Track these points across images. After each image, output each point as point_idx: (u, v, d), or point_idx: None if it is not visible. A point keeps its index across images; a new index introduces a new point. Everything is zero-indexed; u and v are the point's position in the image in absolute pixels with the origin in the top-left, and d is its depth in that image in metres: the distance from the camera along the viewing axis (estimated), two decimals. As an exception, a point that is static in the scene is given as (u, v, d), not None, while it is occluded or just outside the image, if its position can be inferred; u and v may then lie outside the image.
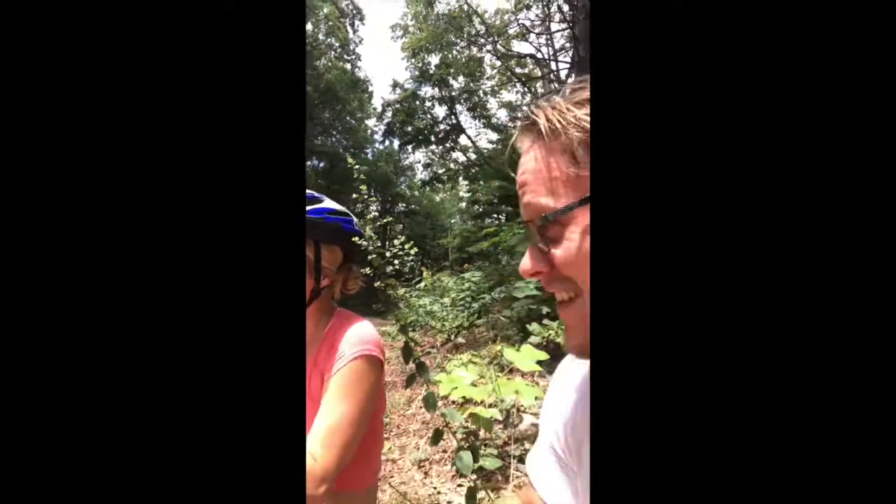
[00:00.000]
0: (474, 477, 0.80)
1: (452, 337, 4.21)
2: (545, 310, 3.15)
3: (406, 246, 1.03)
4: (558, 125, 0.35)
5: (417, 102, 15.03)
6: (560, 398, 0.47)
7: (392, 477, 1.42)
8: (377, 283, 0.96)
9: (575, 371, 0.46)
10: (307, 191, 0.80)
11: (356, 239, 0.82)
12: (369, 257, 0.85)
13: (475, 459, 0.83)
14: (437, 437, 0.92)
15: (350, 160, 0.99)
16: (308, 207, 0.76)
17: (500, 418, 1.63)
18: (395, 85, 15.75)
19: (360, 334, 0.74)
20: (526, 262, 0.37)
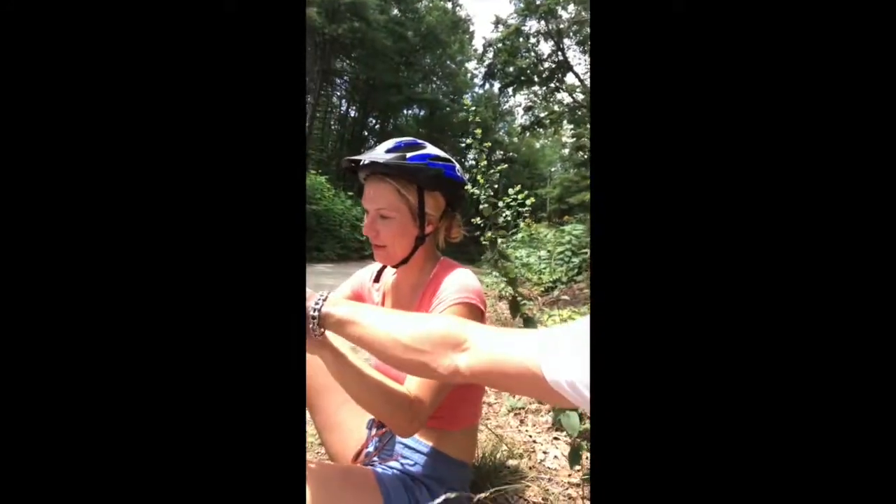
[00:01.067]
0: (578, 438, 0.78)
1: (550, 291, 4.11)
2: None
3: (520, 196, 0.97)
4: None
5: (521, 39, 13.94)
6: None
7: (488, 419, 1.47)
8: (489, 234, 0.93)
9: None
10: (410, 138, 0.78)
11: (465, 187, 0.80)
12: (481, 206, 0.81)
13: (581, 421, 0.80)
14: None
15: (466, 101, 0.94)
16: (410, 154, 0.74)
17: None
18: (498, 22, 14.73)
19: (461, 281, 0.73)
20: None
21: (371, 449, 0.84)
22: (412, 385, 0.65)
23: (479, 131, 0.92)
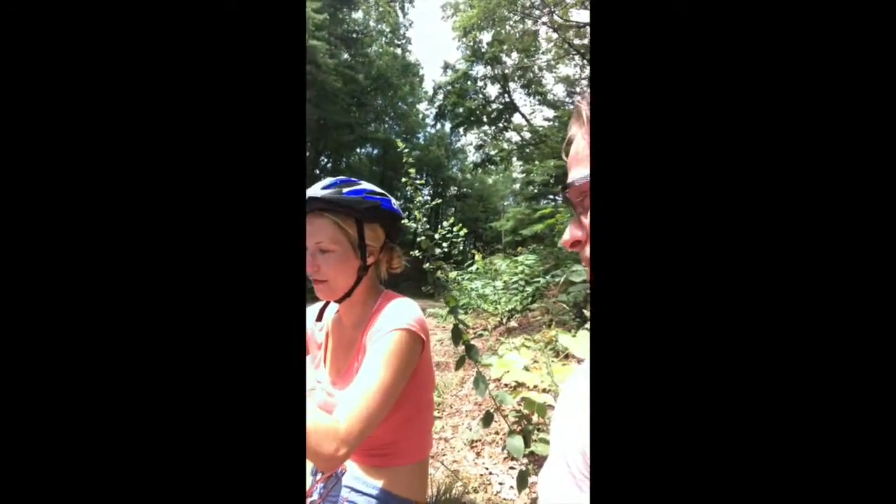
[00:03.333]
0: (525, 461, 0.79)
1: (505, 321, 4.17)
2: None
3: (455, 228, 1.02)
4: None
5: (469, 83, 14.76)
6: (572, 410, 0.44)
7: (444, 455, 1.45)
8: (426, 266, 0.96)
9: (585, 382, 0.43)
10: (345, 177, 0.82)
11: (403, 221, 0.83)
12: (418, 239, 0.85)
13: (526, 444, 0.81)
14: (488, 420, 0.91)
15: (400, 144, 0.99)
16: (346, 189, 0.77)
17: (554, 404, 1.60)
18: (447, 66, 15.57)
19: (400, 310, 0.75)
20: (566, 234, 0.41)
21: (315, 497, 0.80)
22: (344, 413, 0.63)
23: (412, 170, 0.97)
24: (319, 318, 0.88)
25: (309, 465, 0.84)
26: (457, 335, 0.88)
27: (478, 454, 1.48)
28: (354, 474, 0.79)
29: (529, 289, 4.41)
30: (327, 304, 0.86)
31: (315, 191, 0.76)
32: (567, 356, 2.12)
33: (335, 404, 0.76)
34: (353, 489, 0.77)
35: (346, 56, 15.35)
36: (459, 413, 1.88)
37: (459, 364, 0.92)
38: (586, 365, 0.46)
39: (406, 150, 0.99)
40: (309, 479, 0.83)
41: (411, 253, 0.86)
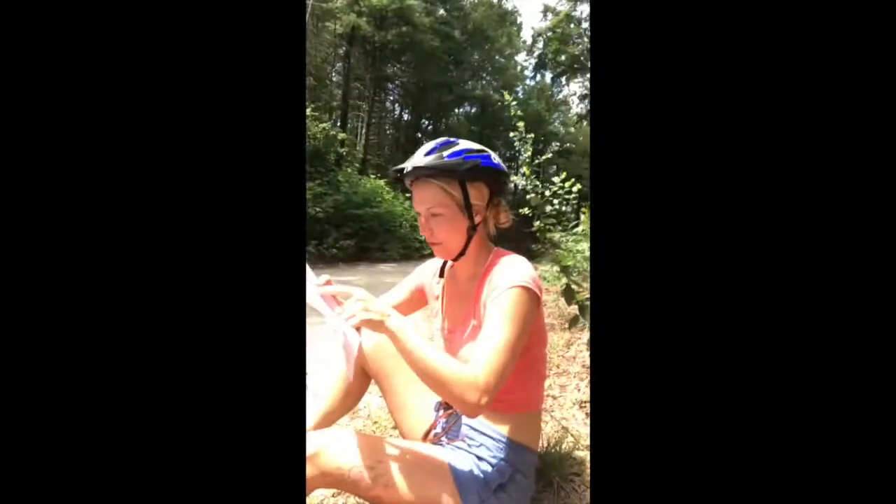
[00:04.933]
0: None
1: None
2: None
3: (567, 184, 0.98)
4: None
5: (572, 26, 13.39)
6: None
7: (553, 411, 1.48)
8: (536, 224, 0.94)
9: None
10: (445, 138, 0.83)
11: (510, 178, 0.83)
12: (528, 196, 0.84)
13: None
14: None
15: (507, 96, 0.96)
16: (447, 152, 0.79)
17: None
18: (546, 10, 14.27)
19: (516, 267, 0.76)
20: None
21: (438, 430, 0.89)
22: (480, 365, 0.68)
23: (521, 124, 0.93)
24: (441, 275, 0.95)
25: (432, 401, 0.94)
26: (569, 294, 0.87)
27: (587, 415, 1.48)
28: (475, 416, 0.86)
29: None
30: (446, 262, 0.92)
31: (418, 158, 0.80)
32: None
33: (458, 350, 0.82)
34: (472, 427, 0.84)
35: (441, 12, 15.03)
36: (567, 374, 1.89)
37: (573, 323, 0.92)
38: None
39: (514, 103, 0.95)
40: (433, 414, 0.93)
41: (520, 211, 0.86)
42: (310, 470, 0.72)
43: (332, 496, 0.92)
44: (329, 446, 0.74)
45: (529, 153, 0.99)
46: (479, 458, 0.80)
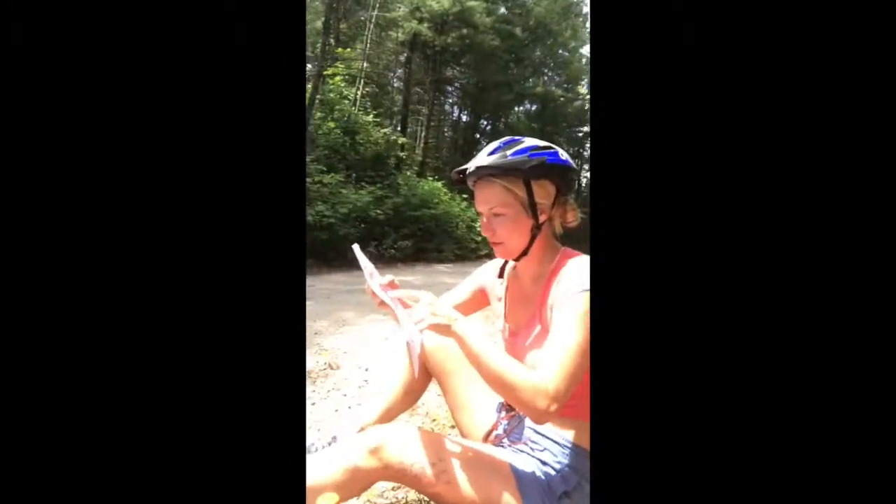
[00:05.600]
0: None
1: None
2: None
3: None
4: None
5: (642, 11, 12.58)
6: None
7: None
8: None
9: None
10: (509, 136, 0.81)
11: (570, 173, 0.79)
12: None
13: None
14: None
15: (580, 89, 0.92)
16: (511, 150, 0.77)
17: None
18: (614, -3, 13.53)
19: (586, 270, 0.73)
20: None
21: (500, 431, 0.88)
22: (549, 371, 0.66)
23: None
24: (501, 275, 0.93)
25: (494, 402, 0.93)
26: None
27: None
28: (539, 419, 0.84)
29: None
30: (507, 261, 0.90)
31: (481, 158, 0.79)
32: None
33: (521, 354, 0.81)
34: (536, 431, 0.81)
35: (502, 10, 14.90)
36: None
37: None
38: None
39: (587, 96, 0.91)
40: (494, 415, 0.92)
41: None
42: (372, 462, 0.74)
43: (392, 489, 0.94)
44: (392, 440, 0.75)
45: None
46: (543, 463, 0.77)
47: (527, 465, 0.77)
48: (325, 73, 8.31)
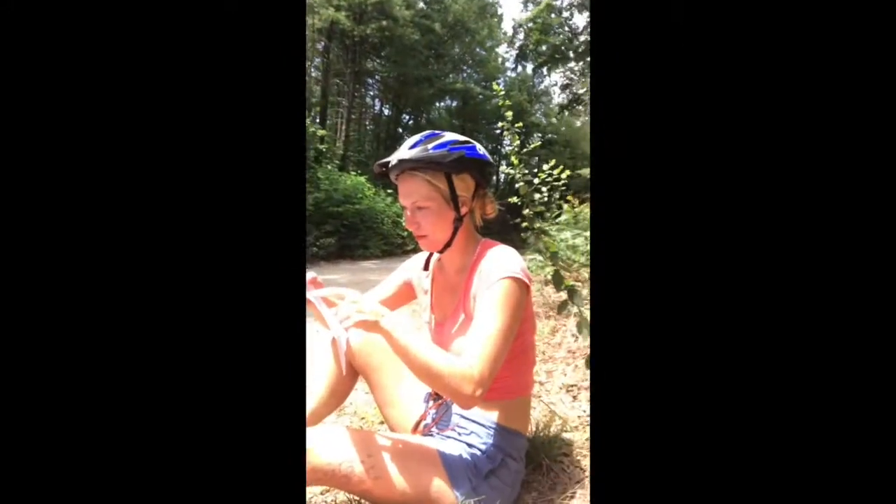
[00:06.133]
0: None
1: (597, 271, 3.98)
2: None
3: (556, 172, 0.98)
4: None
5: (553, 16, 13.42)
6: None
7: (541, 396, 1.50)
8: (525, 212, 0.95)
9: None
10: (429, 131, 0.83)
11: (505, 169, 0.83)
12: (517, 185, 0.84)
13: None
14: (589, 363, 0.92)
15: (495, 87, 0.96)
16: (431, 144, 0.79)
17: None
18: (527, 1, 14.27)
19: (504, 258, 0.77)
20: None
21: (429, 420, 0.89)
22: (473, 357, 0.69)
23: (509, 114, 0.93)
24: (426, 268, 0.94)
25: (422, 392, 0.94)
26: (558, 280, 0.88)
27: (574, 398, 1.51)
28: (465, 405, 0.87)
29: (624, 238, 4.10)
30: (431, 254, 0.92)
31: (403, 152, 0.79)
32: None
33: (447, 343, 0.82)
34: (463, 416, 0.84)
35: (421, 5, 14.88)
36: (553, 359, 1.91)
37: (562, 308, 0.93)
38: None
39: (501, 93, 0.95)
40: (422, 406, 0.93)
41: (510, 200, 0.86)
42: None
43: (321, 493, 0.91)
44: (319, 443, 0.73)
45: (518, 142, 1.00)
46: (470, 446, 0.80)
47: (454, 449, 0.79)
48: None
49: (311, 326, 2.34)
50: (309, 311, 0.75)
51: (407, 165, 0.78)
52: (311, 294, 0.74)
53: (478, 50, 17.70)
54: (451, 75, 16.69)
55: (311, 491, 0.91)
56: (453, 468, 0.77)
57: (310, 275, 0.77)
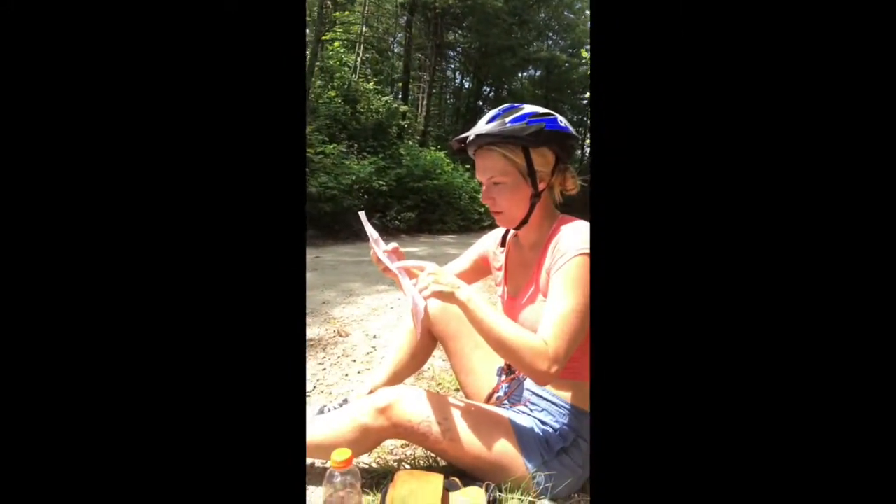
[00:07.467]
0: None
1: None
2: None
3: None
4: None
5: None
6: None
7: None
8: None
9: None
10: (509, 104, 0.81)
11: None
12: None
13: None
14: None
15: (584, 53, 0.90)
16: (509, 118, 0.77)
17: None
18: (624, -48, 12.78)
19: (580, 234, 0.74)
20: None
21: (501, 394, 0.92)
22: (548, 334, 0.69)
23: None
24: (503, 244, 0.95)
25: (496, 365, 0.97)
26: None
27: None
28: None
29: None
30: (508, 230, 0.92)
31: (481, 127, 0.79)
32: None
33: (516, 313, 0.84)
34: (534, 393, 0.86)
35: (506, -31, 14.16)
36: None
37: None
38: None
39: (590, 63, 0.89)
40: (495, 379, 0.96)
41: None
42: (381, 421, 0.79)
43: (401, 447, 1.00)
44: (401, 400, 0.80)
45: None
46: (542, 423, 0.82)
47: (526, 422, 0.81)
48: (323, 38, 8.04)
49: (395, 297, 2.50)
50: (390, 277, 0.80)
51: (484, 140, 0.78)
52: (394, 265, 0.79)
53: (566, 13, 16.51)
54: (535, 43, 15.85)
55: (392, 444, 1.00)
56: (525, 439, 0.79)
57: (392, 245, 0.82)
